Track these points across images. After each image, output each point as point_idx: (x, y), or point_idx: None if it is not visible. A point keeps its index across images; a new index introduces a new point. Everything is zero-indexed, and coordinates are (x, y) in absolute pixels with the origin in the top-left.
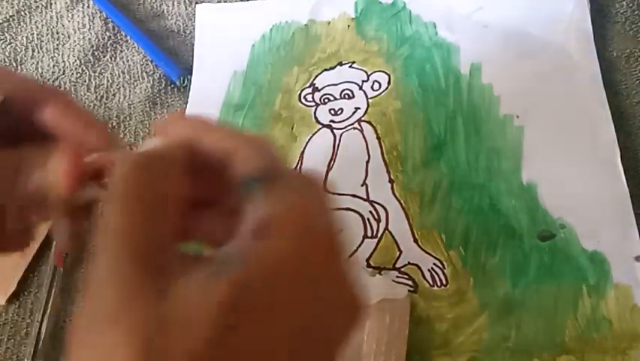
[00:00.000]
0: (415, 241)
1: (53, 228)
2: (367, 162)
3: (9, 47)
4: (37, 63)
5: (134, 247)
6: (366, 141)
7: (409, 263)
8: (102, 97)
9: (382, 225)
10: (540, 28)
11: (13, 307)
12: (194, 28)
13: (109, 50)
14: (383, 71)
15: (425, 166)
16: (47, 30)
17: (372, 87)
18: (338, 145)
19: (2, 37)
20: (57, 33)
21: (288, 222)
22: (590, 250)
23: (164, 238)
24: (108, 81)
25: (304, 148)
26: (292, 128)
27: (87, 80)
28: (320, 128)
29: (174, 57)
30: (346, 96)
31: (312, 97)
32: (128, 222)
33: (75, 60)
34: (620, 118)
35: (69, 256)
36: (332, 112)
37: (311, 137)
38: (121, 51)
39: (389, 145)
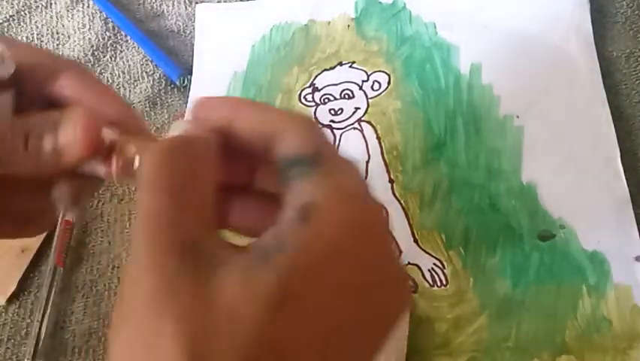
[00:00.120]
0: (415, 241)
1: (57, 190)
2: (367, 162)
3: None
4: None
5: (171, 235)
6: (366, 141)
7: (408, 263)
8: None
9: None
10: (540, 28)
11: (13, 307)
12: (194, 28)
13: (109, 50)
14: (383, 71)
15: (425, 166)
16: (47, 30)
17: (372, 87)
18: (338, 145)
19: None
20: (57, 33)
21: (337, 206)
22: (590, 250)
23: (200, 226)
24: (108, 81)
25: None
26: None
27: None
28: None
29: (174, 57)
30: (346, 96)
31: (312, 97)
32: (163, 210)
33: (75, 60)
34: (620, 118)
35: (69, 256)
36: (332, 112)
37: None
38: (121, 51)
39: (389, 145)
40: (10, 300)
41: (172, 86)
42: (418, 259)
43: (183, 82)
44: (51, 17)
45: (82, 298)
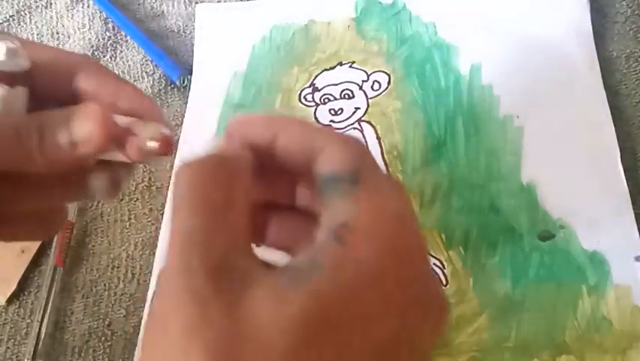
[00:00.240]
0: None
1: (94, 179)
2: None
3: None
4: None
5: (204, 258)
6: (366, 141)
7: None
8: None
9: None
10: (540, 29)
11: (13, 307)
12: (194, 28)
13: (109, 49)
14: (383, 71)
15: (425, 166)
16: (47, 30)
17: (372, 87)
18: None
19: None
20: (57, 33)
21: (373, 228)
22: (590, 250)
23: (234, 246)
24: None
25: None
26: None
27: None
28: None
29: (174, 57)
30: (346, 96)
31: (312, 97)
32: (196, 231)
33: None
34: (620, 118)
35: (69, 256)
36: (332, 112)
37: None
38: (121, 51)
39: (389, 145)
40: (10, 300)
41: (172, 86)
42: None
43: (183, 82)
44: (51, 17)
45: (82, 298)
